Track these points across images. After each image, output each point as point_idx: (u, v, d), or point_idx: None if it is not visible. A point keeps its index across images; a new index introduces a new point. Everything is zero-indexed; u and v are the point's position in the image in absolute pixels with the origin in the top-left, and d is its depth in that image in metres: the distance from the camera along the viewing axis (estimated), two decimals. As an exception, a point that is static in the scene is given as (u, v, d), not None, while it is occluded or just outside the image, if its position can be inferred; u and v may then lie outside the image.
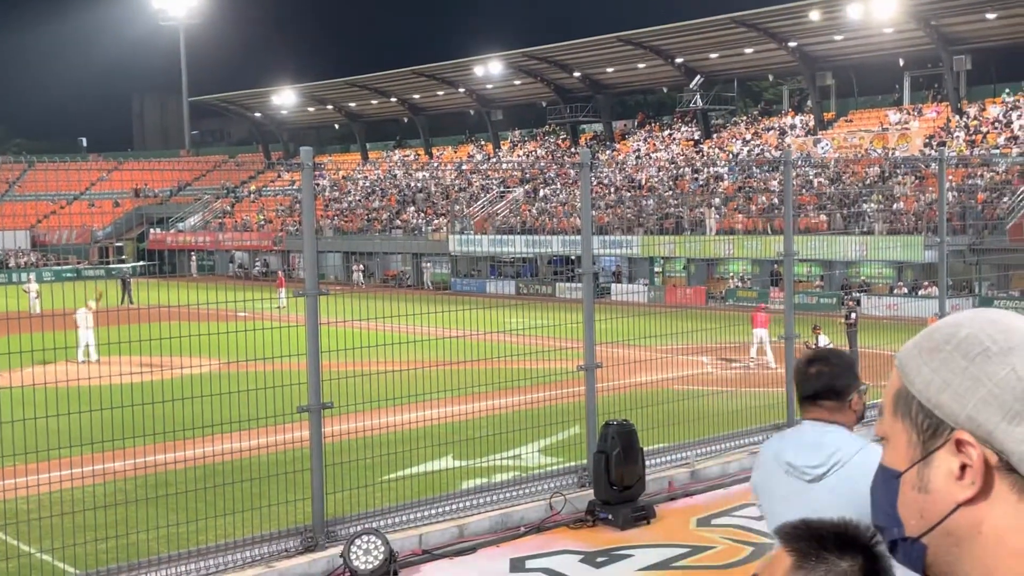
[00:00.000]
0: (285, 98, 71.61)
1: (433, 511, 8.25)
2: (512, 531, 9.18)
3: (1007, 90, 47.76)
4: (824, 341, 23.48)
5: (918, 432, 1.12)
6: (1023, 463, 1.05)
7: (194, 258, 67.75)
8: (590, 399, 8.56)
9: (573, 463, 9.99)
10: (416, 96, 68.30)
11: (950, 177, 36.66)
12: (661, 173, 53.25)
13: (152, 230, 73.06)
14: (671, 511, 9.86)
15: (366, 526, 8.29)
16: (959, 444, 1.08)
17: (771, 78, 61.84)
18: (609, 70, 58.39)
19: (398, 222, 59.31)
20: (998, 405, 1.06)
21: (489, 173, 63.19)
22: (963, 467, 1.07)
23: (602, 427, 8.39)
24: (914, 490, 1.12)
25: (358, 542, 7.97)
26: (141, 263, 65.62)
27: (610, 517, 9.31)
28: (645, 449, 9.20)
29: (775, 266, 41.38)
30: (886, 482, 1.16)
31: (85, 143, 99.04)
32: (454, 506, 8.38)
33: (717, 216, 44.89)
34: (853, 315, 24.05)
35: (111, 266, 65.59)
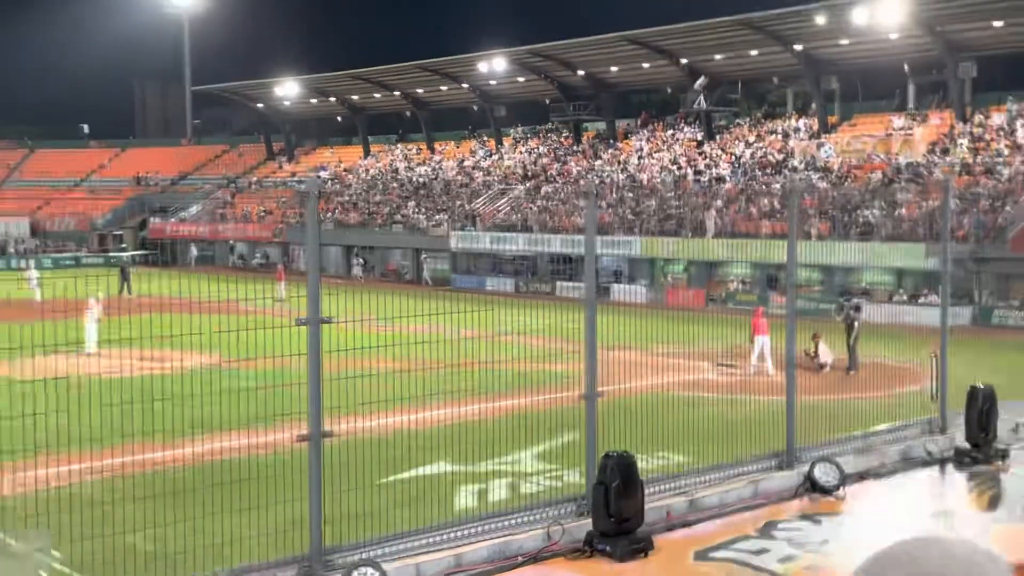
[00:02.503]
0: (288, 89, 71.45)
1: (430, 539, 8.14)
2: (510, 561, 9.03)
3: (1010, 97, 47.69)
4: (824, 349, 23.44)
5: None
6: None
7: (194, 249, 67.60)
8: (590, 429, 8.42)
9: (572, 492, 9.88)
10: (419, 90, 68.20)
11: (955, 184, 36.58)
12: (663, 173, 53.18)
13: (152, 219, 72.94)
14: (669, 542, 9.74)
15: (363, 555, 8.18)
16: None
17: (776, 81, 61.72)
18: (613, 69, 58.31)
19: (399, 216, 59.23)
20: None
21: (491, 169, 63.10)
22: None
23: (602, 458, 8.28)
24: None
25: (355, 574, 7.87)
26: (141, 252, 65.58)
27: (608, 549, 9.16)
28: (644, 478, 9.08)
29: (775, 271, 41.44)
30: None
31: (87, 130, 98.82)
32: (452, 535, 8.26)
33: (717, 220, 44.84)
34: (856, 324, 23.92)
35: (110, 254, 65.49)
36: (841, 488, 9.07)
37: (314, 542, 7.46)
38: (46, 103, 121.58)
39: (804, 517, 9.72)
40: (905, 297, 36.52)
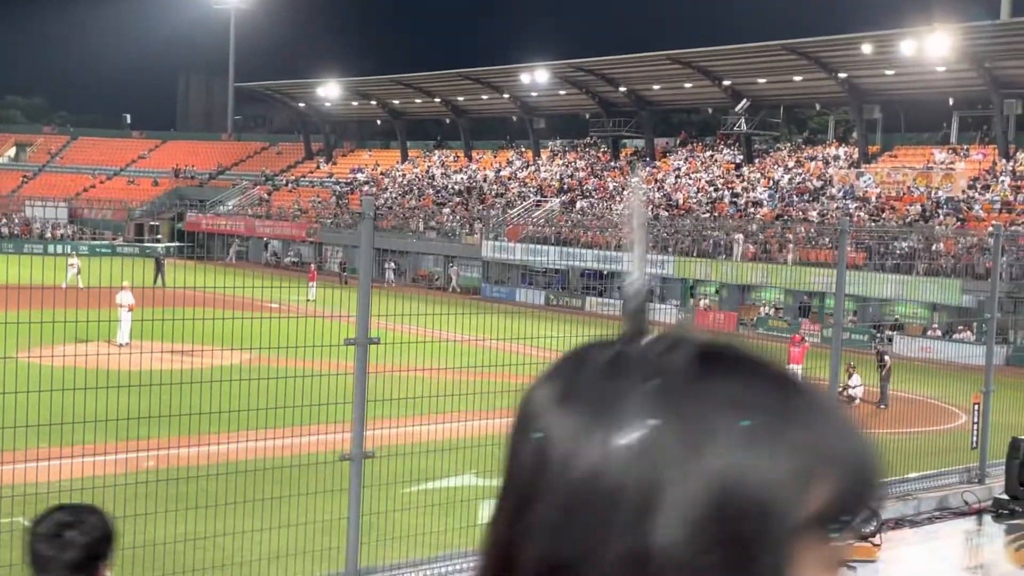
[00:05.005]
0: (330, 91, 71.86)
1: (465, 564, 8.04)
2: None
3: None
4: (856, 381, 23.20)
5: None
6: None
7: (235, 245, 67.92)
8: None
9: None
10: (460, 98, 68.38)
11: (996, 221, 36.16)
12: (700, 195, 52.98)
13: (188, 212, 73.42)
14: None
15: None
16: None
17: (818, 107, 61.44)
18: (655, 87, 58.22)
19: (433, 223, 59.35)
20: None
21: (527, 180, 63.10)
22: None
23: None
24: None
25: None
26: (176, 244, 66.03)
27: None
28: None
29: (806, 297, 41.16)
30: None
31: (129, 120, 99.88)
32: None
33: (748, 245, 44.55)
34: (886, 358, 23.68)
35: (145, 245, 66.01)
36: (877, 534, 8.95)
37: (350, 564, 7.37)
38: (90, 91, 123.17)
39: (838, 561, 9.56)
40: (939, 332, 36.10)
